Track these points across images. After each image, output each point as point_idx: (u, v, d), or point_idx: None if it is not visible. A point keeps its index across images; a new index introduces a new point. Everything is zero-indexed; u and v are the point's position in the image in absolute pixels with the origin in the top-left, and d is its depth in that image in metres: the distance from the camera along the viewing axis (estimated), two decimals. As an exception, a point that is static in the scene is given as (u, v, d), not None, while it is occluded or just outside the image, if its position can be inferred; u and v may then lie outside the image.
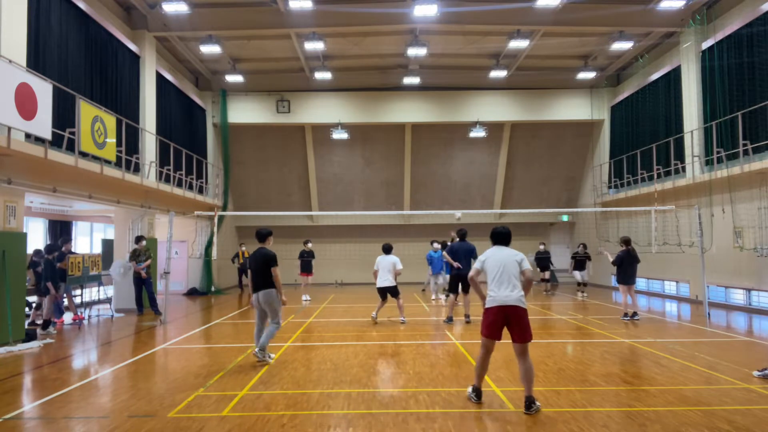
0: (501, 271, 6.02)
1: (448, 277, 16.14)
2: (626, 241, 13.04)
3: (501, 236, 6.36)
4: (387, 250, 12.56)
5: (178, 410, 5.96)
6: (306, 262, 18.04)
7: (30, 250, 13.87)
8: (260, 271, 8.23)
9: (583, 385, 6.86)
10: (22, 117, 9.39)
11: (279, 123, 22.95)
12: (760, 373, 7.09)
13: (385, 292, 12.34)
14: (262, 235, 8.51)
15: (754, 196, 13.89)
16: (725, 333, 11.10)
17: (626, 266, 12.80)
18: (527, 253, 20.28)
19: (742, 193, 14.39)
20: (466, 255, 12.46)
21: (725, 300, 15.35)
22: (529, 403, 5.73)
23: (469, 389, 6.31)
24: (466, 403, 6.16)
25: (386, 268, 12.27)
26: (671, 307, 15.89)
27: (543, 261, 20.39)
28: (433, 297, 17.20)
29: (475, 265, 6.39)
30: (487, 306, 6.05)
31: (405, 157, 24.21)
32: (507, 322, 5.91)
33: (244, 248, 22.10)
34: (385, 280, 12.24)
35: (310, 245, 18.33)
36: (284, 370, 7.77)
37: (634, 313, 12.70)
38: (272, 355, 8.57)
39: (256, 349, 8.26)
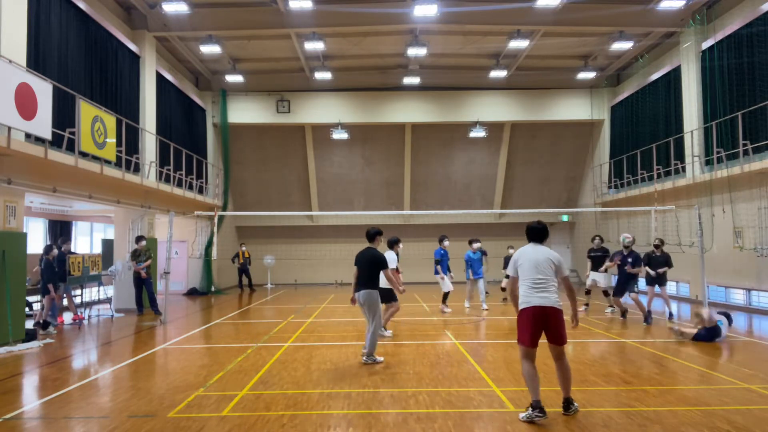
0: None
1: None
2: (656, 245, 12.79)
3: (536, 232, 5.86)
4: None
5: (178, 410, 5.96)
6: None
7: (37, 249, 13.95)
8: (366, 270, 8.19)
9: (583, 385, 6.85)
10: (22, 117, 9.39)
11: (279, 123, 22.95)
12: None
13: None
14: (371, 235, 8.52)
15: (754, 196, 13.89)
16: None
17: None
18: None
19: (742, 193, 14.39)
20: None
21: (725, 300, 15.34)
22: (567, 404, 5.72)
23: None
24: (466, 403, 6.16)
25: None
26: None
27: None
28: (467, 305, 15.03)
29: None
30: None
31: (405, 157, 24.21)
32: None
33: (244, 248, 22.13)
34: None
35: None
36: (284, 370, 7.77)
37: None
38: (380, 358, 8.29)
39: (364, 357, 8.18)
